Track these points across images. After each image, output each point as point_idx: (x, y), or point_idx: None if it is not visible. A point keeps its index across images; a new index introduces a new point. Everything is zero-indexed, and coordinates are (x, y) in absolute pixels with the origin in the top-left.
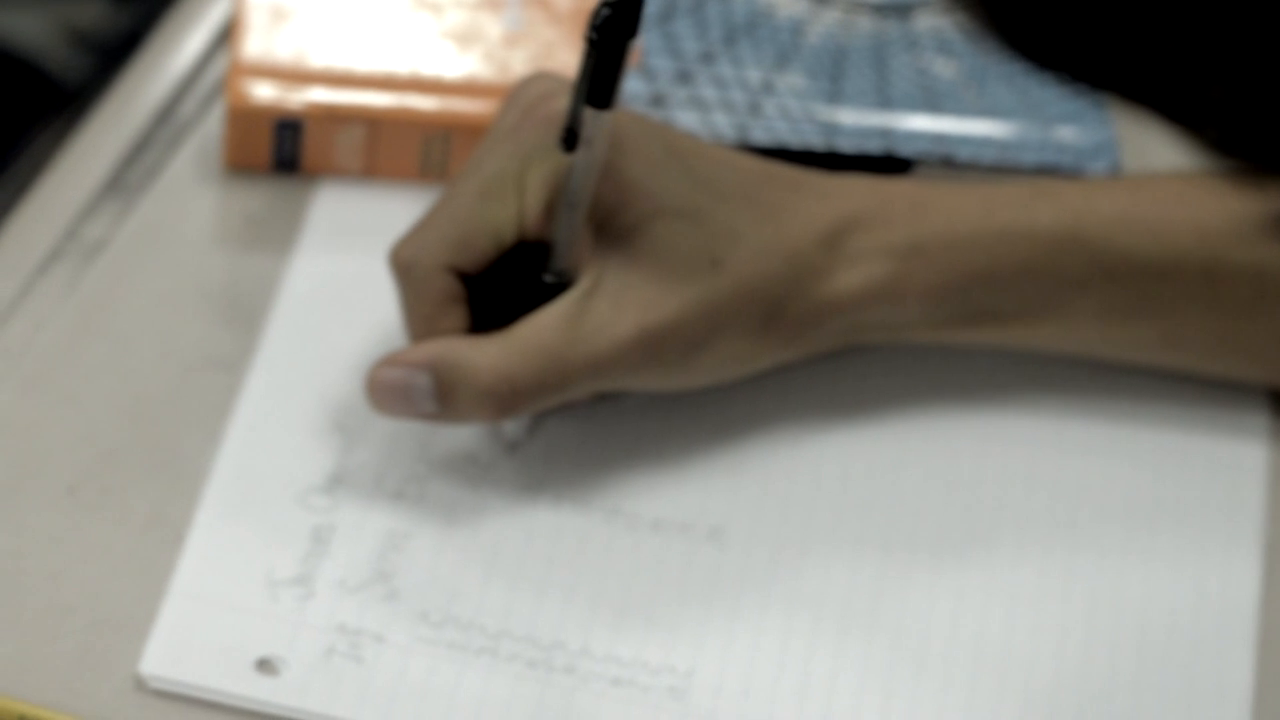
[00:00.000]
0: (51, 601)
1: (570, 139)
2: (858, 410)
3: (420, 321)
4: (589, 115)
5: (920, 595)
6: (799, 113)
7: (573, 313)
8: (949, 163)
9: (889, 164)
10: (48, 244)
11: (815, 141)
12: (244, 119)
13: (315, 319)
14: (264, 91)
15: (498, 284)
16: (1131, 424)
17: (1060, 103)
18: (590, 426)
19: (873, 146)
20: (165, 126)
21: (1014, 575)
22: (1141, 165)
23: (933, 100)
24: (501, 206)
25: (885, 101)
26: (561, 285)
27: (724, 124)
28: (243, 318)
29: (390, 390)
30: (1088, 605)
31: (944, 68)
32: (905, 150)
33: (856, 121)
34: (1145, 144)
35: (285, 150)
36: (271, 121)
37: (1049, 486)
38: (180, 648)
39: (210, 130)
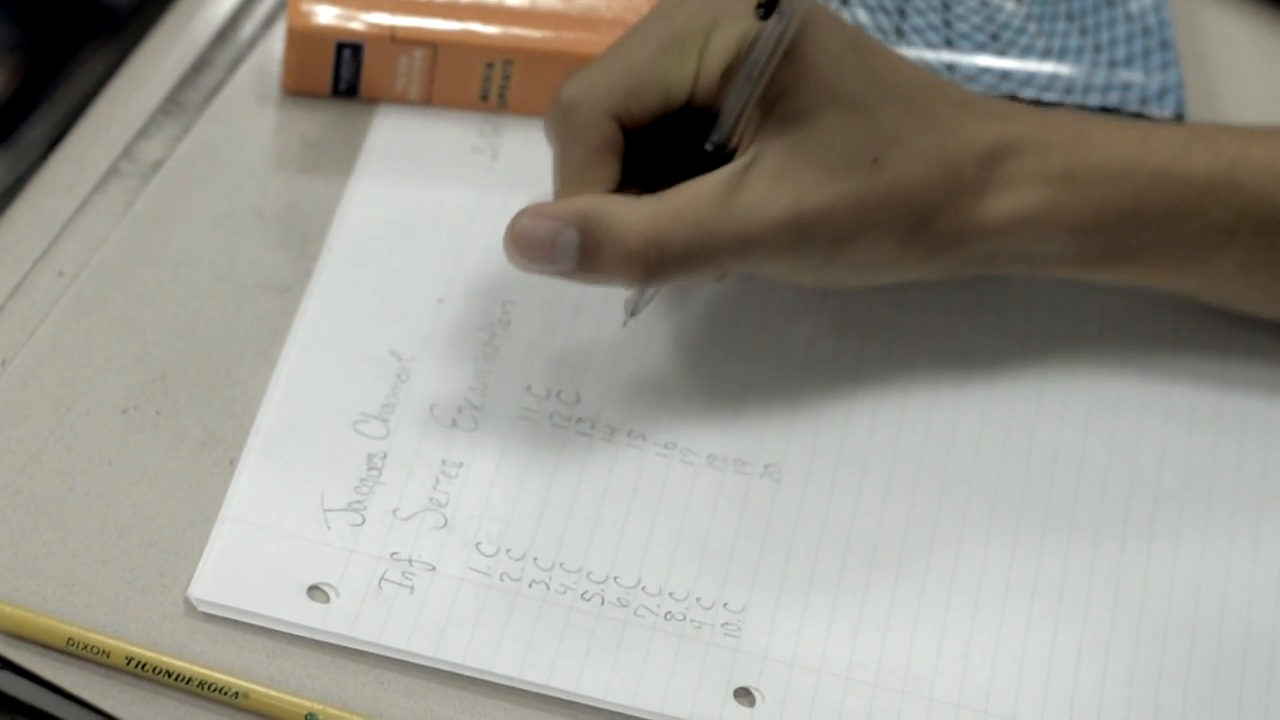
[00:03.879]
0: (102, 524)
1: (769, 5)
2: (916, 354)
3: (573, 167)
4: None
5: (975, 537)
6: None
7: (729, 187)
8: (1012, 102)
9: None
10: (104, 163)
11: None
12: (305, 40)
13: (371, 245)
14: (326, 13)
15: (656, 145)
16: (1205, 389)
17: (1125, 44)
18: (646, 361)
19: None
20: (224, 47)
21: (1070, 519)
22: (1207, 110)
23: (997, 39)
24: (680, 63)
25: (949, 39)
26: (720, 156)
27: None
28: (298, 242)
29: (534, 242)
30: (1162, 554)
31: (1009, 6)
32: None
33: (920, 58)
34: (1210, 86)
35: (345, 74)
36: (332, 44)
37: (1104, 435)
38: (231, 573)
39: (269, 52)
